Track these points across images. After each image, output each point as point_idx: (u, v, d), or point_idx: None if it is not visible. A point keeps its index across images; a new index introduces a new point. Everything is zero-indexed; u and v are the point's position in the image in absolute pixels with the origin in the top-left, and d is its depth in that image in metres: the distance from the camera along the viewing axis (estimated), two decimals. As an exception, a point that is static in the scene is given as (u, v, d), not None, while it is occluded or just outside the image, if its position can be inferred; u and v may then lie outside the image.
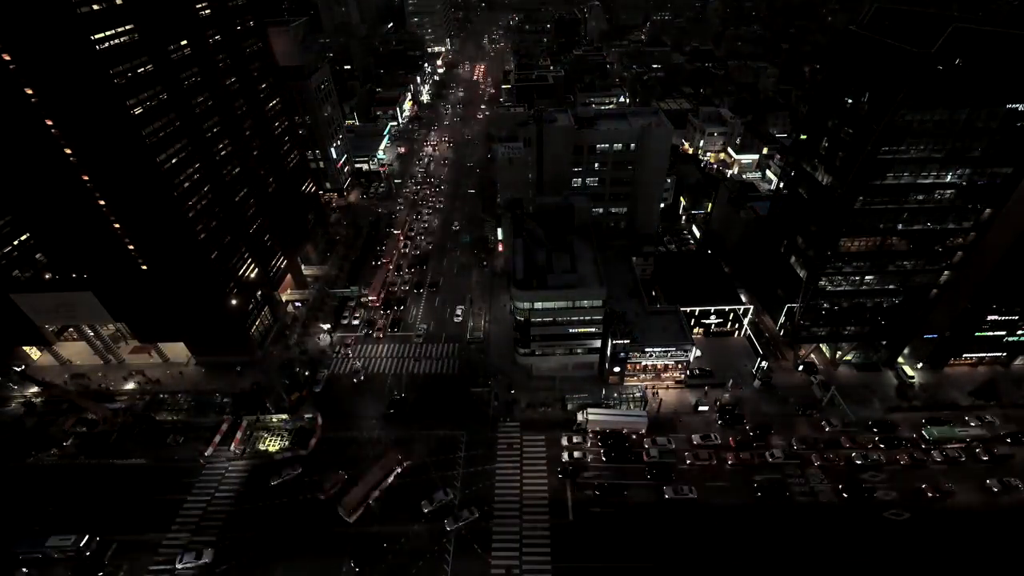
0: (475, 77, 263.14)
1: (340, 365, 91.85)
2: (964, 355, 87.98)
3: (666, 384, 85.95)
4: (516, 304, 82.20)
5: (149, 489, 72.35)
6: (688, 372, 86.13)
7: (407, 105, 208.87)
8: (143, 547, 65.96)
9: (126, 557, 65.08)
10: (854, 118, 71.66)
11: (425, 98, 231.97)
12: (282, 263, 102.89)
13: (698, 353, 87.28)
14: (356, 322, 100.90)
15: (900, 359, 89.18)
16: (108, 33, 61.68)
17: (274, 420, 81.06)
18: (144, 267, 77.76)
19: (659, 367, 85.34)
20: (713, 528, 66.67)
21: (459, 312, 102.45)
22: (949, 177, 69.74)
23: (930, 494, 69.28)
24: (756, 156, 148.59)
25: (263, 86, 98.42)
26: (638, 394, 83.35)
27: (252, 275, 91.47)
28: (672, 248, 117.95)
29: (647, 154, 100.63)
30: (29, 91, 61.67)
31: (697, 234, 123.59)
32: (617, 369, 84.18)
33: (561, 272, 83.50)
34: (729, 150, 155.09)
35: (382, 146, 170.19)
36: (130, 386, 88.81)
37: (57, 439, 78.56)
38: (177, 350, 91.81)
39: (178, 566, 63.18)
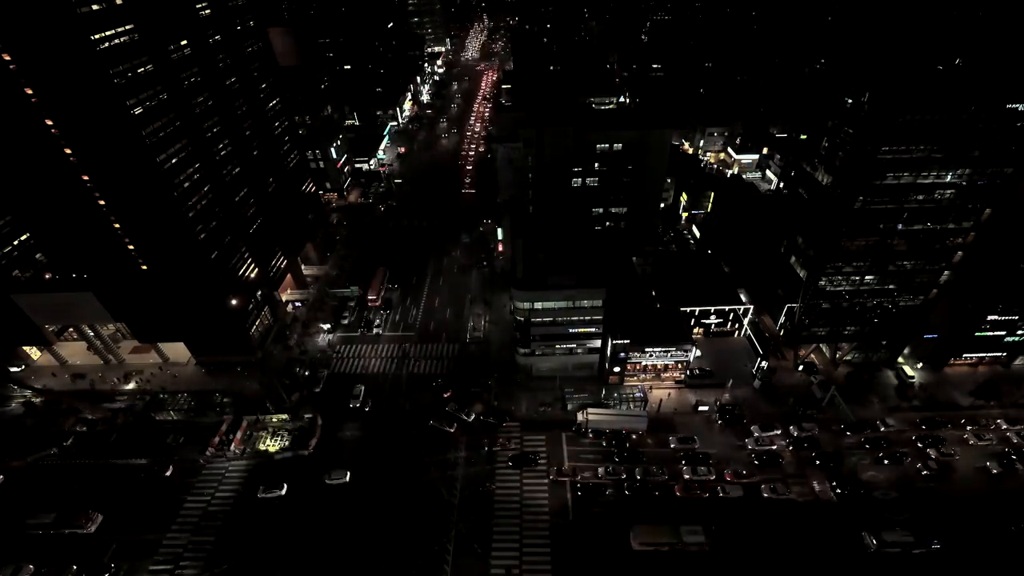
0: (475, 76, 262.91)
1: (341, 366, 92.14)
2: (964, 355, 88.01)
3: (668, 391, 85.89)
4: (516, 304, 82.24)
5: (149, 489, 72.37)
6: (688, 372, 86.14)
7: (407, 105, 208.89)
8: (143, 547, 66.02)
9: (126, 557, 65.12)
10: (854, 118, 71.65)
11: (425, 98, 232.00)
12: (282, 263, 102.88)
13: (698, 353, 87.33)
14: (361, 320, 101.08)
15: (900, 359, 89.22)
16: (108, 33, 61.66)
17: (274, 420, 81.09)
18: (144, 267, 77.73)
19: (659, 367, 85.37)
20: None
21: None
22: (949, 177, 69.78)
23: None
24: (756, 156, 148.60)
25: (263, 86, 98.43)
26: (638, 394, 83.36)
27: (252, 275, 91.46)
28: (672, 248, 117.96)
29: (647, 154, 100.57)
30: (29, 91, 61.64)
31: (697, 234, 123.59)
32: (617, 369, 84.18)
33: (561, 272, 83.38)
34: (729, 150, 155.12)
35: (382, 146, 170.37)
36: (130, 386, 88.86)
37: (57, 439, 78.54)
38: (177, 350, 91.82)
39: None
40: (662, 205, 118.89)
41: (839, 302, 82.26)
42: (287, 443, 77.60)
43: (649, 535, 64.15)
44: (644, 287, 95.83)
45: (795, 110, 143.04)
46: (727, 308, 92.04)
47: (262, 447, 77.57)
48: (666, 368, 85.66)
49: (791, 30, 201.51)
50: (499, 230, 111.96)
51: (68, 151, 66.55)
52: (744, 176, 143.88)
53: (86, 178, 69.12)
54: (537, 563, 63.43)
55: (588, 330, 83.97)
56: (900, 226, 74.09)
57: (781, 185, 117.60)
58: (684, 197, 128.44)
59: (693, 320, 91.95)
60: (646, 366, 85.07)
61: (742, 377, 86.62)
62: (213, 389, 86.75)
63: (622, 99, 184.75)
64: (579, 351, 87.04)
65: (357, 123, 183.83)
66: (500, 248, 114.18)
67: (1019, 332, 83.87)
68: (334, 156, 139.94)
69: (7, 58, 59.38)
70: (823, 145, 79.06)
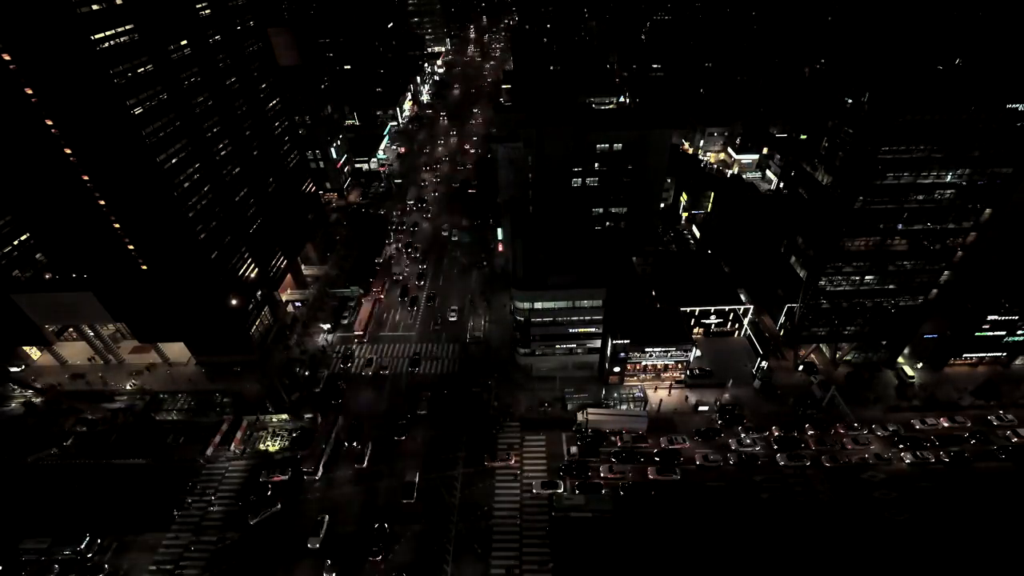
0: (474, 76, 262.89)
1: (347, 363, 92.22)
2: (964, 355, 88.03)
3: (668, 387, 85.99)
4: (516, 304, 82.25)
5: (149, 489, 72.35)
6: (688, 372, 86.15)
7: (407, 105, 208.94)
8: (143, 547, 66.04)
9: (126, 557, 65.16)
10: (854, 118, 71.64)
11: (425, 98, 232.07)
12: (282, 263, 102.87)
13: (698, 353, 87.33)
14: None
15: (900, 359, 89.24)
16: (108, 33, 61.65)
17: (274, 420, 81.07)
18: (144, 267, 77.71)
19: (659, 367, 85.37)
20: (709, 526, 66.88)
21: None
22: (949, 177, 69.79)
23: None
24: (756, 156, 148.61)
25: (263, 86, 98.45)
26: (638, 394, 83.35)
27: (252, 275, 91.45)
28: (672, 248, 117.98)
29: (647, 154, 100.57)
30: (29, 91, 61.62)
31: (697, 234, 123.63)
32: (617, 369, 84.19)
33: (561, 272, 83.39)
34: (729, 150, 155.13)
35: (382, 146, 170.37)
36: (130, 386, 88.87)
37: (57, 439, 78.55)
38: (177, 350, 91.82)
39: None
40: (662, 205, 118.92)
41: (839, 302, 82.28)
42: (287, 443, 77.62)
43: None
44: (644, 287, 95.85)
45: (795, 110, 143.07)
46: (727, 308, 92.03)
47: (262, 447, 77.60)
48: (666, 368, 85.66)
49: (791, 30, 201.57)
50: (499, 230, 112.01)
51: (68, 151, 66.53)
52: (744, 176, 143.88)
53: (86, 178, 69.09)
54: (537, 563, 63.44)
55: (588, 330, 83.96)
56: (900, 226, 74.12)
57: (781, 185, 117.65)
58: (684, 197, 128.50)
59: (693, 320, 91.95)
60: (646, 366, 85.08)
61: (742, 377, 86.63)
62: (213, 389, 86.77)
63: (622, 99, 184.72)
64: (579, 351, 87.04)
65: (357, 123, 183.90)
66: (500, 248, 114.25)
67: (1019, 332, 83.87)
68: (334, 156, 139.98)
69: (7, 58, 59.35)
70: (823, 145, 79.06)
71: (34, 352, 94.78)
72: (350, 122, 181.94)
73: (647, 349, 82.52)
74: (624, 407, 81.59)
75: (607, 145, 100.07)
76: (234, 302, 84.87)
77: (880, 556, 63.56)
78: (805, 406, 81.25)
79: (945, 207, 72.37)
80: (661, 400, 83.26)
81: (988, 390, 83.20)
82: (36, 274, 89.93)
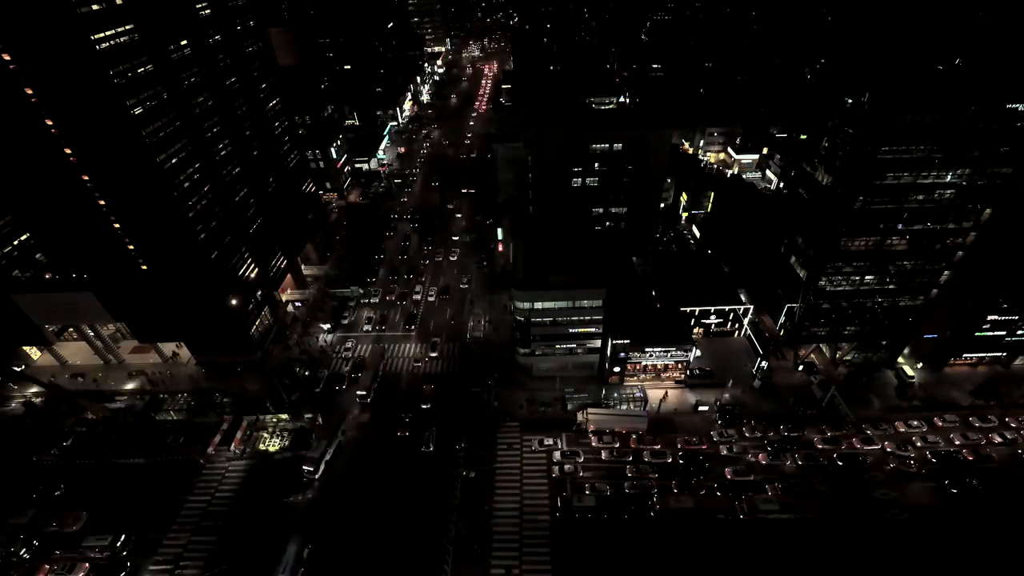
0: (475, 77, 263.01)
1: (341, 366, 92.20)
2: (964, 355, 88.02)
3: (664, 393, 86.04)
4: (516, 304, 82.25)
5: (149, 489, 72.37)
6: (688, 372, 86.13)
7: (407, 105, 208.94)
8: (143, 547, 66.03)
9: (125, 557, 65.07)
10: (854, 118, 71.65)
11: (425, 98, 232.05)
12: (282, 263, 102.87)
13: (698, 353, 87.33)
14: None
15: (900, 359, 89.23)
16: (108, 33, 61.66)
17: (274, 420, 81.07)
18: (144, 267, 77.73)
19: (659, 367, 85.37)
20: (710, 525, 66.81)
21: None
22: (949, 177, 69.80)
23: None
24: (756, 156, 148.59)
25: (263, 86, 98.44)
26: (638, 394, 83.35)
27: (252, 275, 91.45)
28: (672, 248, 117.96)
29: (647, 154, 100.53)
30: (29, 91, 61.65)
31: (697, 234, 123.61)
32: (617, 369, 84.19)
33: (561, 272, 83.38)
34: (729, 150, 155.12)
35: (382, 146, 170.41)
36: (130, 386, 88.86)
37: (57, 439, 78.53)
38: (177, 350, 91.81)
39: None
40: (662, 205, 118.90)
41: (839, 302, 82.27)
42: (287, 443, 77.64)
43: None
44: (644, 287, 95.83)
45: (795, 110, 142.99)
46: (727, 308, 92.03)
47: (262, 447, 77.61)
48: (666, 368, 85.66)
49: (791, 30, 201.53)
50: (499, 230, 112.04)
51: (68, 151, 66.55)
52: (744, 176, 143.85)
53: (86, 178, 69.11)
54: (537, 563, 63.48)
55: (588, 330, 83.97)
56: (900, 226, 74.14)
57: (781, 185, 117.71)
58: (684, 197, 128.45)
59: (693, 320, 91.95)
60: (646, 366, 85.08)
61: (742, 377, 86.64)
62: (213, 389, 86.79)
63: (622, 99, 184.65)
64: (579, 351, 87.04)
65: (357, 123, 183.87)
66: (500, 248, 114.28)
67: (1019, 332, 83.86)
68: (334, 156, 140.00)
69: (7, 58, 59.37)
70: (823, 145, 79.07)
71: (34, 352, 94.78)
72: (350, 122, 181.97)
73: (647, 349, 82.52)
74: (624, 407, 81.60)
75: (607, 145, 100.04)
76: (234, 302, 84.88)
77: (880, 556, 63.64)
78: (805, 406, 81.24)
79: (945, 207, 72.39)
80: (661, 400, 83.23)
81: (988, 390, 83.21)
82: (36, 274, 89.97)
